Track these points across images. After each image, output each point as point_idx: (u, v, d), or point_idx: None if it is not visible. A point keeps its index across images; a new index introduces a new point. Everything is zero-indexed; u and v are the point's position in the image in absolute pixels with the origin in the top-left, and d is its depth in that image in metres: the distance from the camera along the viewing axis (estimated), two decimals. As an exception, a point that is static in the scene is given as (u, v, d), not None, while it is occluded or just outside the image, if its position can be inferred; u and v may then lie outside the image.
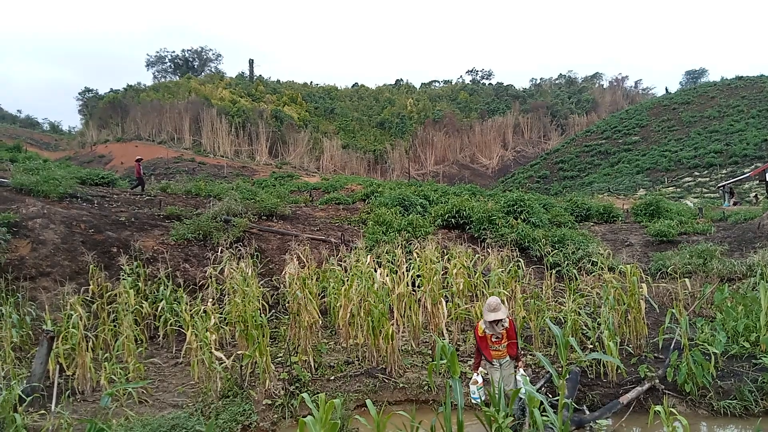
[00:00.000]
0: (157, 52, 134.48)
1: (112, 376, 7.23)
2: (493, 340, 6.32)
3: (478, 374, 6.39)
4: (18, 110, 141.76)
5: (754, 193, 46.62)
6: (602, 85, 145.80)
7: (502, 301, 7.40)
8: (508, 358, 6.44)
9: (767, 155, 57.73)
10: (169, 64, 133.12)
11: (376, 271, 8.89)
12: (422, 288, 9.64)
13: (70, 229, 12.46)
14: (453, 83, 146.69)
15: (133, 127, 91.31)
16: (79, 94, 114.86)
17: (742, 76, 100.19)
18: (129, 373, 7.65)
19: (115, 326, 8.74)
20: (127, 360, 7.93)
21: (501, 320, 6.19)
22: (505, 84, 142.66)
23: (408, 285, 9.29)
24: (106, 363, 7.38)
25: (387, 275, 9.08)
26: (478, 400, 6.22)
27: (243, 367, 7.66)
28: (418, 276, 9.95)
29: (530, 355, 8.72)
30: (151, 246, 12.84)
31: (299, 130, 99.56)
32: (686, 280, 9.95)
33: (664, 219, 19.49)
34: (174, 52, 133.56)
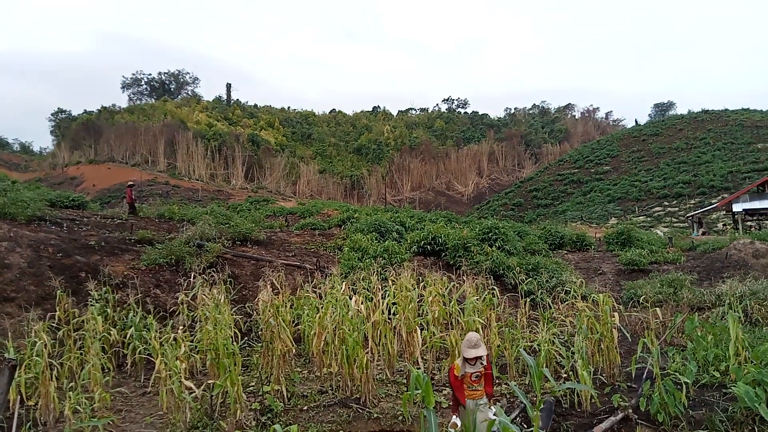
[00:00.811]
0: (133, 74, 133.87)
1: (77, 407, 6.97)
2: (473, 379, 6.06)
3: (456, 416, 6.08)
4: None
5: (721, 223, 47.91)
6: (574, 115, 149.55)
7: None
8: (484, 398, 6.19)
9: (733, 186, 59.49)
10: (145, 86, 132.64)
11: (351, 299, 8.82)
12: (397, 316, 9.59)
13: (37, 253, 12.15)
14: (429, 111, 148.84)
15: (107, 149, 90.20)
16: (52, 114, 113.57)
17: (707, 110, 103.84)
18: (95, 403, 7.38)
19: (81, 354, 8.47)
20: (93, 389, 7.66)
21: (481, 357, 6.00)
22: (480, 113, 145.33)
23: (383, 313, 9.23)
24: (70, 392, 7.12)
25: (362, 303, 9.01)
26: None
27: (213, 397, 7.48)
28: (394, 303, 9.90)
29: (504, 384, 8.70)
30: (121, 271, 12.57)
31: (276, 155, 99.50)
32: (657, 309, 10.12)
33: (636, 248, 19.84)
34: (150, 74, 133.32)
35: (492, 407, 6.08)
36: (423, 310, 10.15)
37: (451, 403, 6.16)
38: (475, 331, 6.33)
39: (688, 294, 13.29)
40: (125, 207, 22.42)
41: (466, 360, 5.95)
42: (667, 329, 10.57)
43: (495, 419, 5.47)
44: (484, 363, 6.07)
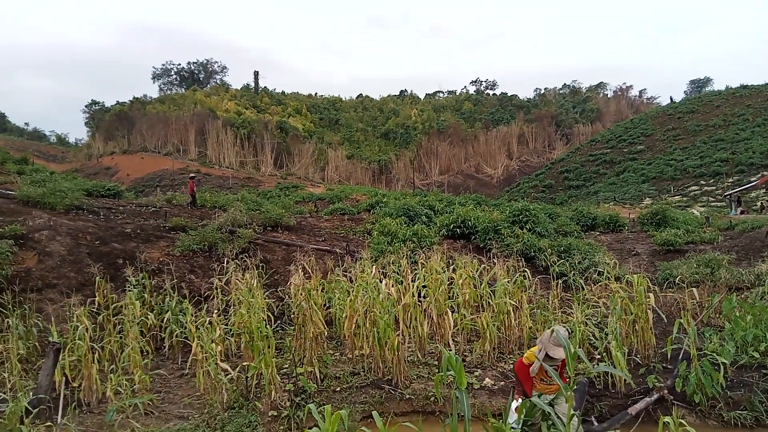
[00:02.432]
0: (163, 65, 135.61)
1: (118, 388, 7.21)
2: (549, 374, 5.56)
3: (520, 399, 5.72)
4: (25, 123, 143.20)
5: (760, 202, 46.42)
6: (606, 94, 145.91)
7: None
8: (554, 396, 5.79)
9: (773, 164, 57.46)
10: (174, 76, 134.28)
11: (381, 282, 8.87)
12: (428, 299, 9.61)
13: (76, 241, 12.51)
14: (457, 93, 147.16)
15: (139, 139, 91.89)
16: (86, 106, 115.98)
17: (746, 85, 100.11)
18: (135, 384, 7.63)
19: (120, 338, 8.73)
20: (132, 371, 7.91)
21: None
22: (509, 94, 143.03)
23: (413, 295, 9.25)
24: (111, 375, 7.37)
25: (392, 286, 9.05)
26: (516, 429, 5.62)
27: (248, 379, 7.64)
28: (424, 286, 9.92)
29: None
30: (157, 257, 12.87)
31: (304, 141, 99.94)
32: (694, 289, 9.90)
33: (671, 228, 19.38)
34: (180, 64, 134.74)
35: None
36: (453, 293, 10.15)
37: (513, 388, 5.70)
38: (558, 329, 5.43)
39: (725, 274, 12.95)
40: (187, 197, 22.95)
41: (549, 357, 5.54)
42: (704, 310, 10.36)
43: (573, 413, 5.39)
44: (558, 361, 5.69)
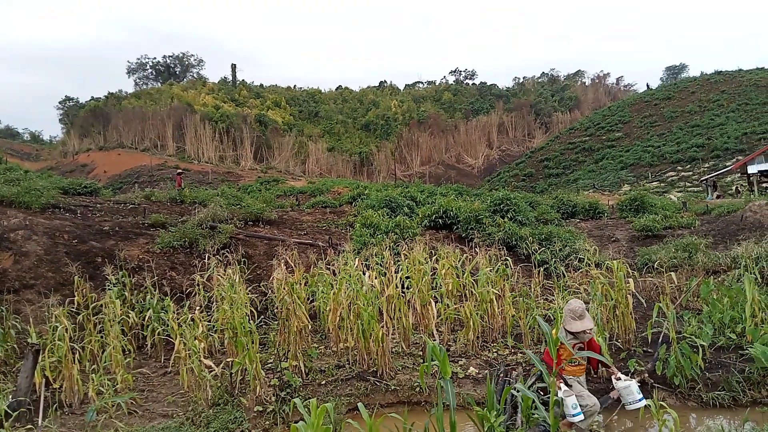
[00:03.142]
0: (138, 59, 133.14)
1: (100, 388, 7.14)
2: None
3: (562, 385, 5.56)
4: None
5: (735, 186, 47.30)
6: (584, 82, 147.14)
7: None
8: (582, 376, 5.82)
9: (748, 148, 58.56)
10: (150, 70, 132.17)
11: (364, 274, 8.87)
12: (411, 289, 9.64)
13: (53, 240, 12.30)
14: (437, 84, 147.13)
15: (116, 135, 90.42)
16: (60, 102, 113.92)
17: (720, 71, 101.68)
18: (117, 384, 7.55)
19: (101, 337, 8.63)
20: (114, 371, 7.83)
21: (587, 330, 5.48)
22: (488, 83, 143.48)
23: (397, 287, 9.28)
24: (93, 375, 7.28)
25: (376, 277, 9.06)
26: (581, 416, 5.51)
27: (233, 375, 7.60)
28: (407, 277, 9.95)
29: (520, 353, 8.75)
30: (137, 255, 12.71)
31: (284, 134, 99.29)
32: (672, 274, 10.08)
33: (649, 214, 19.66)
34: (155, 58, 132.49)
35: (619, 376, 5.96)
36: (436, 283, 10.20)
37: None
38: (571, 301, 5.53)
39: (703, 258, 13.20)
40: (175, 192, 22.86)
41: (568, 332, 5.52)
42: (683, 293, 10.55)
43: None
44: (589, 336, 5.60)
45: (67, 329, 7.78)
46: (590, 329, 5.50)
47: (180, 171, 26.83)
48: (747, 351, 7.52)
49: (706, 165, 60.11)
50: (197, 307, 8.20)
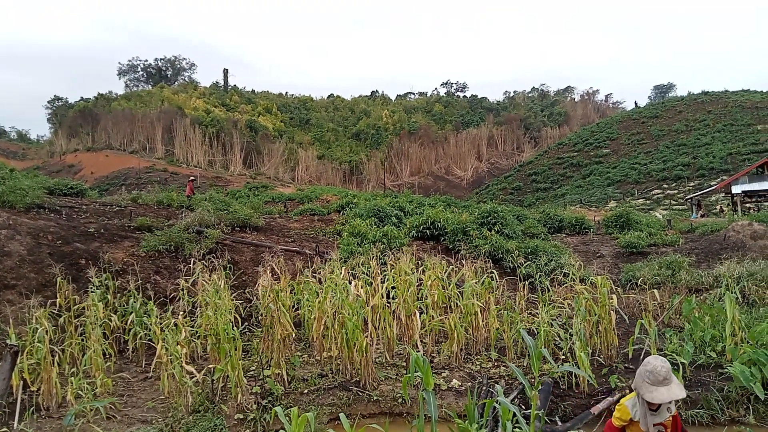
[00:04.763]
0: (130, 61, 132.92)
1: (79, 392, 7.05)
2: None
3: None
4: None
5: (719, 206, 47.94)
6: (574, 98, 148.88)
7: None
8: None
9: (732, 168, 59.40)
10: (141, 72, 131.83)
11: (350, 283, 8.86)
12: (397, 300, 9.64)
13: (36, 241, 12.16)
14: (428, 95, 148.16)
15: (104, 136, 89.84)
16: (48, 102, 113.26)
17: (707, 91, 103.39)
18: (96, 388, 7.46)
19: (82, 340, 8.53)
20: (94, 375, 7.73)
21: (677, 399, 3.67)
22: (479, 96, 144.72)
23: (382, 297, 9.27)
24: (72, 378, 7.19)
25: (361, 287, 9.06)
26: None
27: (214, 381, 7.54)
28: (393, 288, 9.95)
29: (503, 366, 8.77)
30: (121, 258, 12.60)
31: (274, 141, 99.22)
32: (655, 291, 10.18)
33: (634, 231, 19.86)
34: (147, 60, 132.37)
35: None
36: (422, 294, 10.20)
37: None
38: (651, 360, 3.71)
39: (685, 276, 13.35)
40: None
41: (645, 403, 3.70)
42: (665, 311, 10.64)
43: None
44: (673, 411, 3.82)
45: (47, 331, 7.69)
46: (680, 398, 3.68)
47: (192, 178, 26.73)
48: (726, 370, 7.60)
49: (692, 184, 60.88)
50: (181, 312, 8.14)
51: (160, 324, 7.89)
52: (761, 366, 7.05)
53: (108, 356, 8.68)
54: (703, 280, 13.06)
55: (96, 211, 16.98)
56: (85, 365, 7.72)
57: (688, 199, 50.10)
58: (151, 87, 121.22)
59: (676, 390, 3.55)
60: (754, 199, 42.49)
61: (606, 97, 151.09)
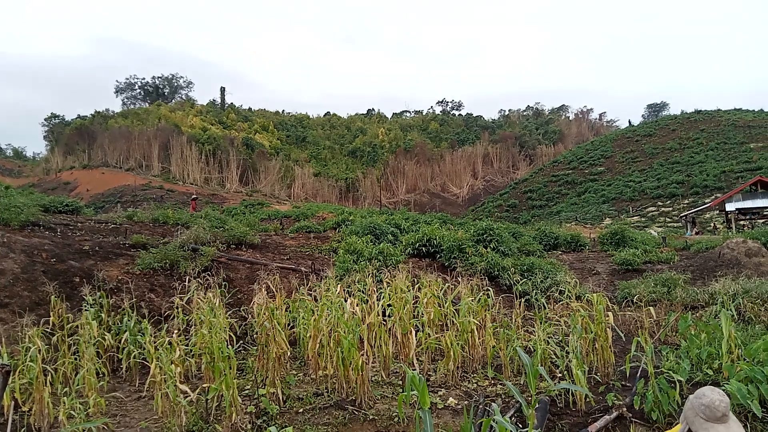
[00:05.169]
0: (127, 79, 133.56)
1: (72, 412, 6.95)
2: None
3: None
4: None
5: (713, 223, 48.14)
6: (568, 116, 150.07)
7: None
8: None
9: (726, 186, 59.81)
10: (138, 90, 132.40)
11: (346, 301, 8.83)
12: (393, 318, 9.60)
13: (30, 259, 12.10)
14: (424, 113, 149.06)
15: (100, 153, 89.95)
16: (45, 119, 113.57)
17: (700, 110, 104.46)
18: (89, 408, 7.36)
19: (76, 359, 8.45)
20: (87, 394, 7.64)
21: None
22: (474, 115, 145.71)
23: (378, 315, 9.24)
24: (65, 398, 7.10)
25: (357, 305, 9.02)
26: None
27: (209, 401, 7.47)
28: (389, 305, 9.92)
29: (500, 384, 8.72)
30: (116, 275, 12.54)
31: (270, 158, 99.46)
32: (651, 308, 10.18)
33: (630, 248, 19.92)
34: (144, 78, 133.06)
35: None
36: (418, 312, 10.17)
37: None
38: (706, 392, 3.03)
39: (681, 293, 13.36)
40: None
41: None
42: (661, 328, 10.64)
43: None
44: None
45: (40, 350, 7.61)
46: None
47: (194, 196, 26.98)
48: (723, 387, 7.58)
49: (686, 201, 61.21)
50: (175, 331, 8.09)
51: (155, 342, 7.82)
52: (758, 383, 7.03)
53: (101, 375, 8.59)
54: (699, 297, 13.07)
55: (91, 228, 16.93)
56: (78, 385, 7.63)
57: (683, 216, 50.35)
58: (148, 105, 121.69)
59: (735, 428, 2.98)
60: (748, 217, 42.75)
61: (600, 115, 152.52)
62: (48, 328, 9.06)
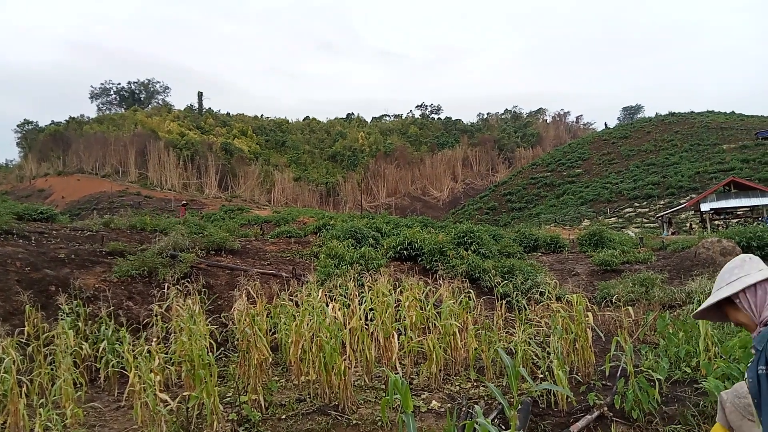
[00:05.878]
0: (102, 84, 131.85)
1: (48, 423, 6.80)
2: None
3: None
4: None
5: (689, 223, 49.03)
6: (546, 119, 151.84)
7: None
8: None
9: (700, 187, 60.95)
10: (114, 96, 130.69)
11: (328, 306, 8.79)
12: (375, 321, 9.58)
13: (3, 268, 11.84)
14: (403, 117, 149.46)
15: (76, 160, 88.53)
16: (18, 126, 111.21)
17: (674, 113, 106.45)
18: (66, 419, 7.21)
19: (52, 369, 8.27)
20: (64, 405, 7.48)
21: None
22: (453, 118, 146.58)
23: (360, 319, 9.21)
24: (41, 409, 6.94)
25: (339, 309, 8.98)
26: None
27: (189, 409, 7.36)
28: (371, 309, 9.89)
29: (483, 386, 8.75)
30: (93, 284, 12.33)
31: (249, 163, 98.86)
32: (630, 308, 10.31)
33: (608, 249, 20.17)
34: (119, 83, 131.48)
35: None
36: (400, 315, 10.16)
37: None
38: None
39: (659, 292, 13.56)
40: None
41: None
42: (640, 327, 10.77)
43: None
44: None
45: (14, 361, 7.43)
46: None
47: (184, 203, 26.79)
48: (701, 385, 7.69)
49: (662, 202, 62.25)
50: (154, 339, 7.95)
51: (133, 351, 7.69)
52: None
53: (79, 386, 8.41)
54: (676, 296, 13.29)
55: (67, 236, 16.62)
56: (54, 395, 7.47)
57: (659, 217, 51.19)
58: (124, 110, 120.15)
59: None
60: (722, 216, 43.63)
61: (577, 118, 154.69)
62: (23, 338, 8.86)
